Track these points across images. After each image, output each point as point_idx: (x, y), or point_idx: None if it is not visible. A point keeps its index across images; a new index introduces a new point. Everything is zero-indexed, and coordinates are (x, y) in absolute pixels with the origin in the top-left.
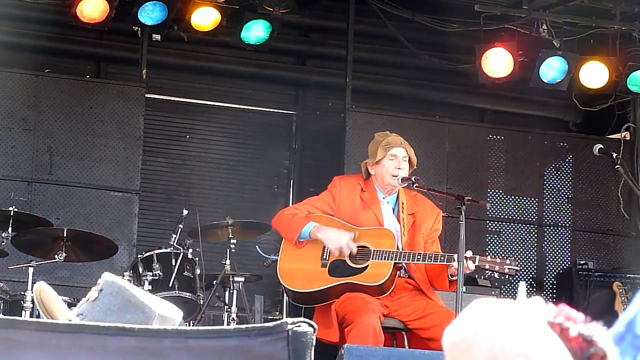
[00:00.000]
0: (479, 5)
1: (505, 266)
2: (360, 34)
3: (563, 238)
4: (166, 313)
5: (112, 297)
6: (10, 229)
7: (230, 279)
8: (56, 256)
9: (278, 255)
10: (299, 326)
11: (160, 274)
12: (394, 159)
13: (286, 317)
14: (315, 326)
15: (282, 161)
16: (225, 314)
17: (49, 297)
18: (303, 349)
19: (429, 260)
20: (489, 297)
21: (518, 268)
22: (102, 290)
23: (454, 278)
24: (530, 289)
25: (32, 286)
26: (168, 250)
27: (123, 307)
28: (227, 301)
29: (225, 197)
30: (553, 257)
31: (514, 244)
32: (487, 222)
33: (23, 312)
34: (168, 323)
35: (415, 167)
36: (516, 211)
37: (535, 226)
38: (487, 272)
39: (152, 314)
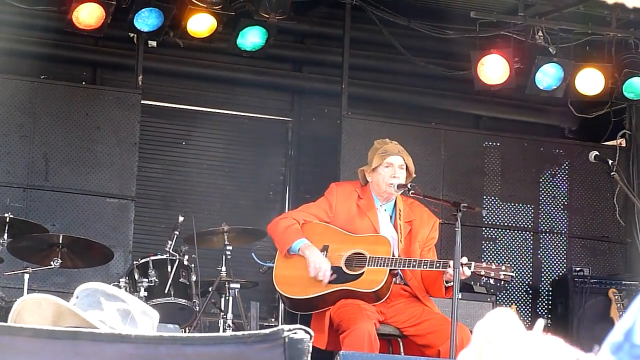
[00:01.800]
0: (474, 12)
1: (500, 272)
2: (356, 41)
3: (559, 245)
4: (145, 308)
5: (90, 297)
6: (5, 235)
7: (226, 285)
8: (52, 262)
9: (274, 262)
10: (295, 333)
11: (156, 280)
12: (390, 167)
13: (282, 323)
14: (312, 333)
15: (278, 167)
16: (221, 320)
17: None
18: (299, 356)
19: (424, 266)
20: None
21: (513, 274)
22: (77, 297)
23: (450, 284)
24: (526, 295)
25: (28, 292)
26: (164, 256)
27: (104, 300)
28: (223, 308)
29: (221, 204)
30: (549, 263)
31: (509, 251)
32: (483, 228)
33: None
34: (148, 317)
35: (413, 176)
36: (512, 218)
37: (531, 233)
38: (482, 278)
39: (133, 304)
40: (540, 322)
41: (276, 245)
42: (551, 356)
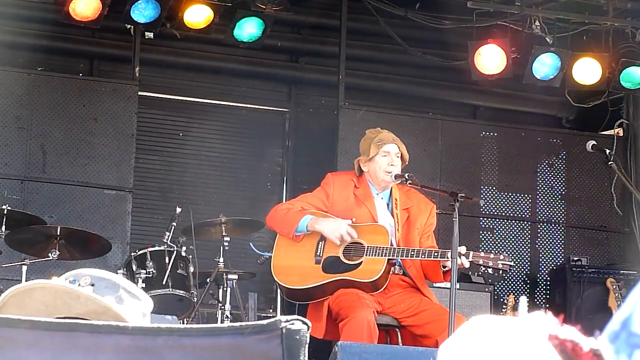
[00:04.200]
0: (471, 2)
1: (499, 262)
2: (353, 31)
3: (556, 234)
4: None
5: (110, 290)
6: (3, 228)
7: (224, 276)
8: (50, 254)
9: (272, 253)
10: (292, 324)
11: (154, 271)
12: (387, 155)
13: (280, 314)
14: (309, 324)
15: (276, 158)
16: (219, 311)
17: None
18: (297, 347)
19: (423, 256)
20: (490, 315)
21: (512, 263)
22: (93, 285)
23: (447, 269)
24: (524, 285)
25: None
26: (162, 248)
27: (127, 296)
28: (220, 299)
29: (219, 195)
30: (547, 253)
31: (507, 241)
32: (481, 218)
33: None
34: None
35: (407, 163)
36: (510, 208)
37: (529, 223)
38: (481, 267)
39: (146, 303)
40: (523, 300)
41: (280, 231)
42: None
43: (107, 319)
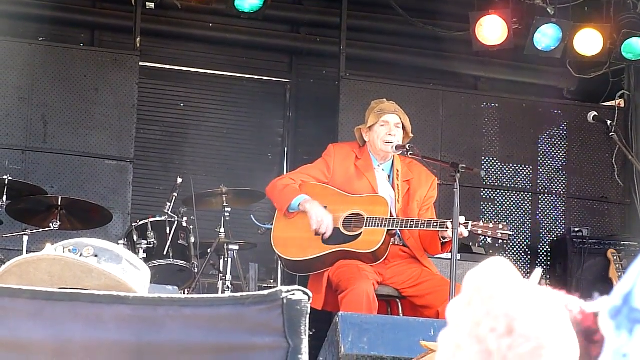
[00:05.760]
0: None
1: (498, 231)
2: (354, 2)
3: (557, 205)
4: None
5: (114, 262)
6: (4, 198)
7: (225, 247)
8: (51, 224)
9: (272, 224)
10: (293, 294)
11: (155, 242)
12: (386, 125)
13: (281, 285)
14: (310, 294)
15: (277, 129)
16: (220, 282)
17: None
18: (298, 317)
19: (422, 226)
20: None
21: (511, 233)
22: (97, 255)
23: (446, 240)
24: (525, 256)
25: (27, 254)
26: (162, 218)
27: (130, 267)
28: (221, 269)
29: (220, 165)
30: (547, 224)
31: (508, 212)
32: (482, 189)
33: None
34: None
35: (410, 135)
36: (510, 179)
37: (530, 194)
38: (480, 237)
39: (146, 271)
40: (538, 272)
41: (275, 205)
42: (541, 305)
43: None
